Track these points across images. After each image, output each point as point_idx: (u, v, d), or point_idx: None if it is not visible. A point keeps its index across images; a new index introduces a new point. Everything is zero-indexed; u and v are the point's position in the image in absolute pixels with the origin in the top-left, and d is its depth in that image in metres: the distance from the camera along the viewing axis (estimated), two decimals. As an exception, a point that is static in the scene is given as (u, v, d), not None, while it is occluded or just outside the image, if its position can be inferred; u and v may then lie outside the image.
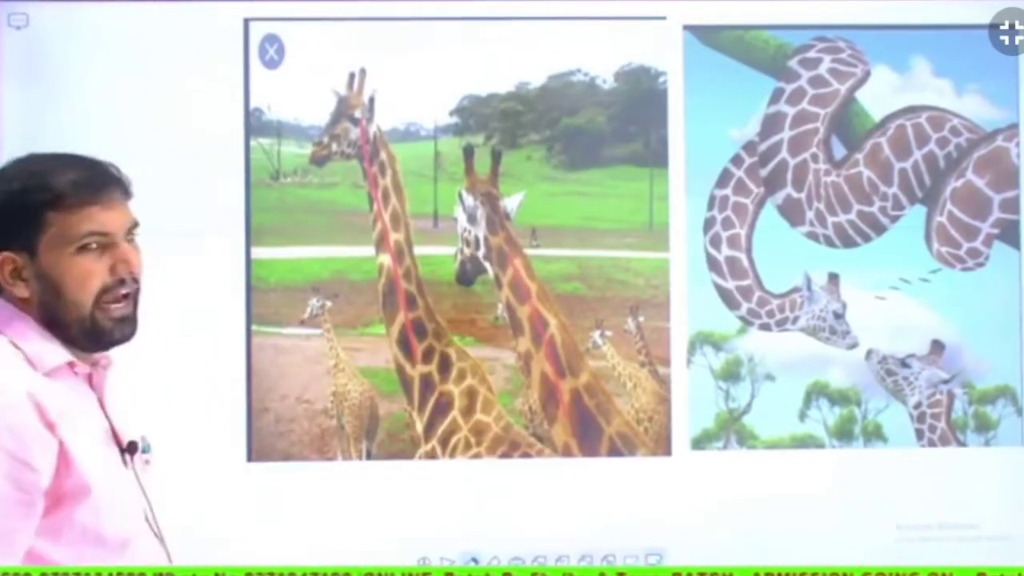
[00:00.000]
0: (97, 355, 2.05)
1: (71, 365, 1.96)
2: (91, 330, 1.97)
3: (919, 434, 3.46)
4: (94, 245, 1.94)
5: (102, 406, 2.02)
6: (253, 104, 3.37)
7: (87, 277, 1.94)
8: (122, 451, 2.01)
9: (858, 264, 3.46)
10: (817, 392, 3.44)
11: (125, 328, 2.00)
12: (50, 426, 1.86)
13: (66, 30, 3.34)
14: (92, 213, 1.94)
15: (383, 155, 3.39)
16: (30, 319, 1.95)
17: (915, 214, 3.48)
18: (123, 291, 1.97)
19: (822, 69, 3.46)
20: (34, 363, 1.92)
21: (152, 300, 3.31)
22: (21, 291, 1.94)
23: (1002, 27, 3.41)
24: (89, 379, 2.01)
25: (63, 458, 1.87)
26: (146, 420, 3.33)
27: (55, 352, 1.94)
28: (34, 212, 1.93)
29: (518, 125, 3.41)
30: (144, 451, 2.07)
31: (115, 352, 3.37)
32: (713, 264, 3.44)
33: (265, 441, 3.35)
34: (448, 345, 3.37)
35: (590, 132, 3.42)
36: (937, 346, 3.46)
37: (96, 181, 1.97)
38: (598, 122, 3.42)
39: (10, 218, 1.93)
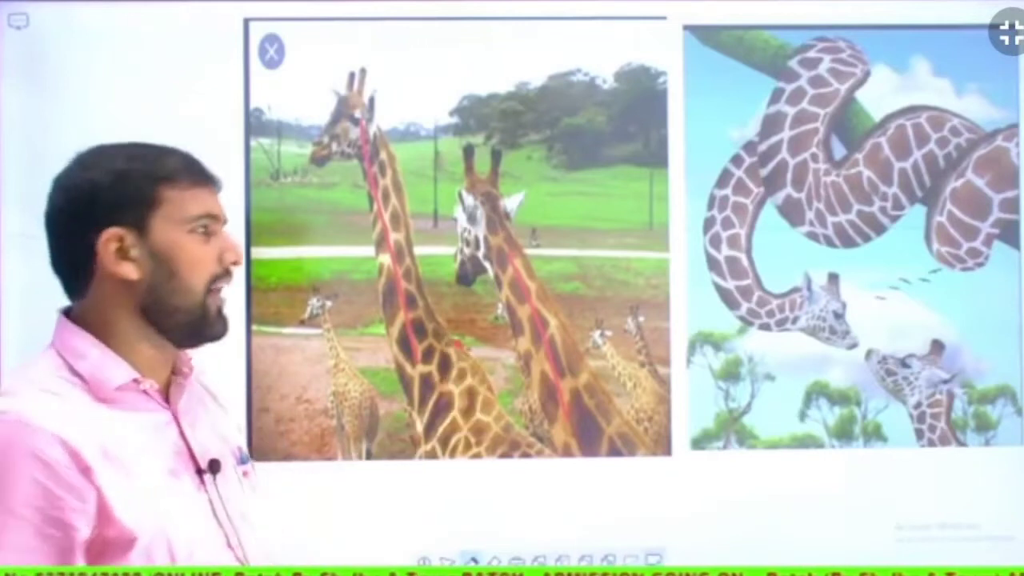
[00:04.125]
0: (180, 365, 1.91)
1: (136, 383, 1.84)
2: (200, 320, 1.86)
3: (919, 434, 3.46)
4: (204, 229, 1.85)
5: (177, 423, 1.89)
6: (253, 104, 3.37)
7: (199, 261, 1.85)
8: (199, 472, 1.88)
9: (858, 264, 3.46)
10: (817, 392, 3.44)
11: (224, 323, 1.90)
12: (85, 471, 1.73)
13: (66, 30, 3.34)
14: (203, 195, 1.86)
15: (383, 155, 3.39)
16: (89, 336, 1.83)
17: (915, 214, 3.48)
18: (225, 283, 1.88)
19: (822, 69, 3.46)
20: (92, 387, 1.80)
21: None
22: (129, 271, 1.82)
23: (1002, 27, 3.41)
24: (163, 394, 1.88)
25: (102, 507, 1.74)
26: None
27: (117, 371, 1.82)
28: (147, 186, 1.83)
29: (518, 125, 3.41)
30: (242, 462, 1.95)
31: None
32: (713, 264, 3.44)
33: (265, 441, 3.35)
34: (448, 345, 3.37)
35: (590, 132, 3.42)
36: (937, 346, 3.46)
37: (203, 166, 1.89)
38: (598, 122, 3.42)
39: (119, 194, 1.82)
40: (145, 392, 1.87)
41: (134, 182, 1.84)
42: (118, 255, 1.83)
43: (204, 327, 1.89)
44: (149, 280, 1.84)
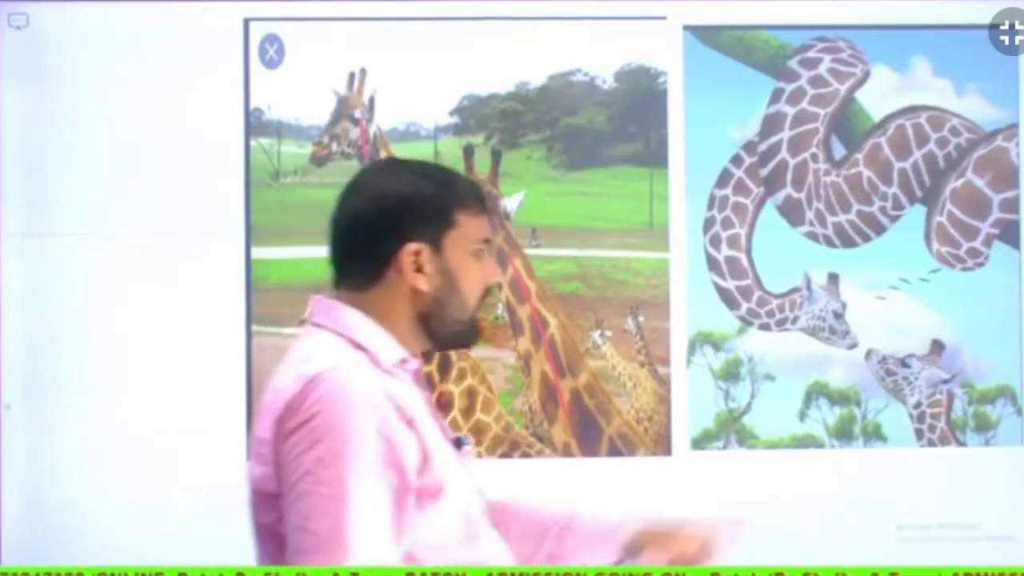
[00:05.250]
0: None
1: (403, 362, 1.96)
2: (467, 331, 2.01)
3: (919, 434, 3.46)
4: (481, 252, 1.99)
5: (428, 402, 2.02)
6: (253, 104, 3.37)
7: (478, 279, 1.99)
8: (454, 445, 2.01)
9: (858, 264, 3.46)
10: (817, 392, 3.44)
11: (480, 332, 2.07)
12: (409, 423, 1.86)
13: (66, 30, 3.34)
14: (484, 221, 2.01)
15: (383, 155, 3.39)
16: (362, 314, 1.95)
17: (915, 214, 3.48)
18: (485, 300, 2.03)
19: (822, 69, 3.46)
20: (377, 360, 1.92)
21: (153, 300, 3.33)
22: (422, 283, 1.95)
23: (1002, 27, 3.41)
24: (414, 375, 2.01)
25: (424, 456, 1.86)
26: (147, 420, 3.34)
27: (393, 348, 1.95)
28: (446, 209, 1.97)
29: (518, 125, 3.41)
30: (465, 444, 2.07)
31: (107, 354, 3.36)
32: (713, 264, 3.44)
33: (265, 441, 3.35)
34: (448, 345, 3.37)
35: (590, 132, 3.42)
36: (937, 346, 3.46)
37: (484, 194, 2.04)
38: (598, 122, 3.42)
39: (423, 212, 1.96)
40: (406, 371, 1.99)
41: (437, 202, 1.98)
42: (415, 268, 1.96)
43: (469, 337, 2.05)
44: (436, 293, 1.98)
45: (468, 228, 1.98)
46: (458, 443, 2.02)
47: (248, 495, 1.90)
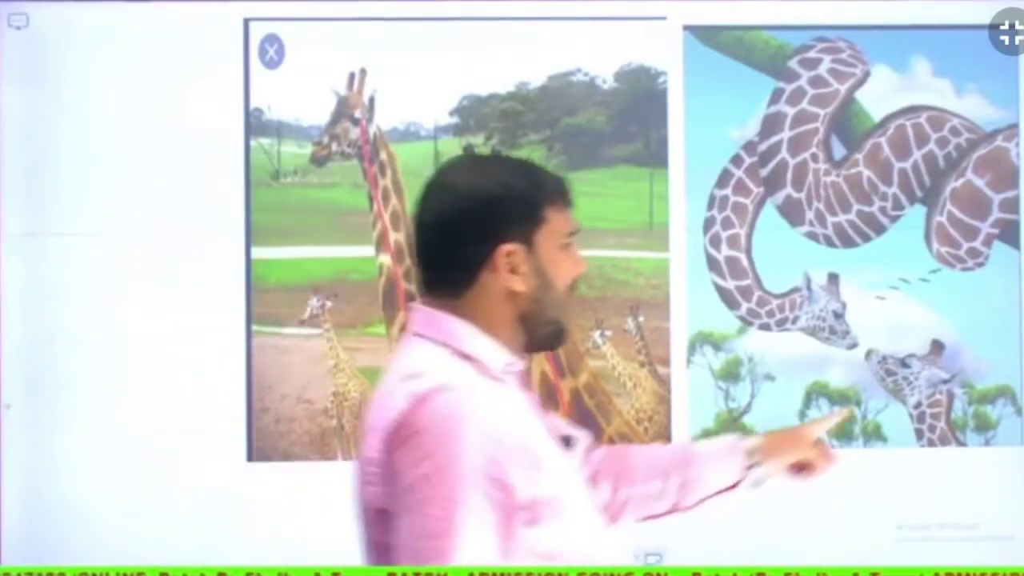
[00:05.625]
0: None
1: (509, 365, 1.94)
2: (560, 329, 1.98)
3: (919, 434, 3.46)
4: (568, 245, 1.98)
5: (535, 403, 2.00)
6: (253, 104, 3.38)
7: (568, 273, 1.98)
8: (565, 447, 1.99)
9: (858, 264, 3.46)
10: (817, 392, 3.44)
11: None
12: (519, 440, 1.83)
13: (66, 30, 3.34)
14: (569, 215, 1.99)
15: (383, 155, 3.39)
16: (466, 323, 1.92)
17: (915, 214, 3.48)
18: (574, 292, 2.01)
19: (822, 69, 3.46)
20: (481, 367, 1.89)
21: (153, 300, 3.34)
22: (517, 284, 1.93)
23: (1002, 27, 3.41)
24: (519, 377, 1.98)
25: (533, 469, 1.83)
26: (147, 420, 3.34)
27: (500, 353, 1.92)
28: (536, 206, 1.94)
29: (518, 125, 3.41)
30: (574, 440, 2.06)
31: (107, 354, 3.37)
32: (713, 264, 3.44)
33: (265, 441, 3.35)
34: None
35: (590, 132, 3.42)
36: (937, 346, 3.46)
37: (569, 187, 2.01)
38: (598, 122, 3.42)
39: (515, 211, 1.93)
40: (513, 374, 1.97)
41: (527, 200, 1.95)
42: (509, 269, 1.93)
43: (559, 338, 2.02)
44: (532, 293, 1.95)
45: (556, 223, 1.96)
46: (567, 441, 2.00)
47: (358, 513, 1.87)
